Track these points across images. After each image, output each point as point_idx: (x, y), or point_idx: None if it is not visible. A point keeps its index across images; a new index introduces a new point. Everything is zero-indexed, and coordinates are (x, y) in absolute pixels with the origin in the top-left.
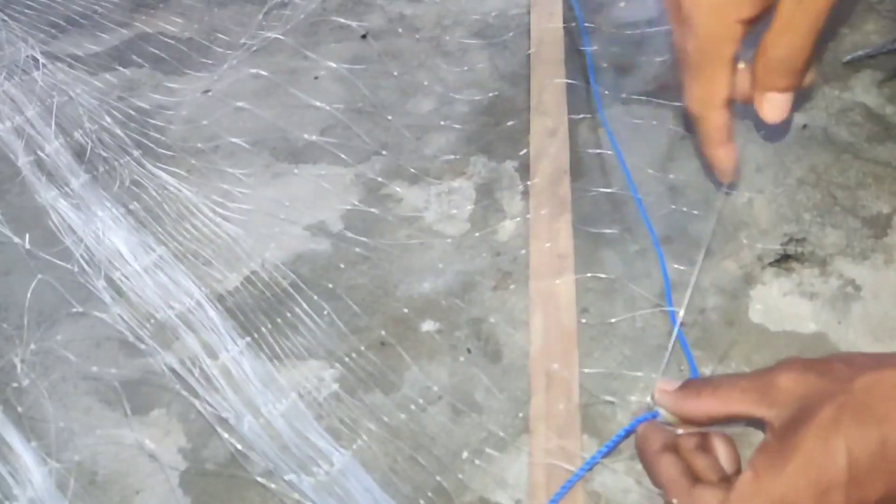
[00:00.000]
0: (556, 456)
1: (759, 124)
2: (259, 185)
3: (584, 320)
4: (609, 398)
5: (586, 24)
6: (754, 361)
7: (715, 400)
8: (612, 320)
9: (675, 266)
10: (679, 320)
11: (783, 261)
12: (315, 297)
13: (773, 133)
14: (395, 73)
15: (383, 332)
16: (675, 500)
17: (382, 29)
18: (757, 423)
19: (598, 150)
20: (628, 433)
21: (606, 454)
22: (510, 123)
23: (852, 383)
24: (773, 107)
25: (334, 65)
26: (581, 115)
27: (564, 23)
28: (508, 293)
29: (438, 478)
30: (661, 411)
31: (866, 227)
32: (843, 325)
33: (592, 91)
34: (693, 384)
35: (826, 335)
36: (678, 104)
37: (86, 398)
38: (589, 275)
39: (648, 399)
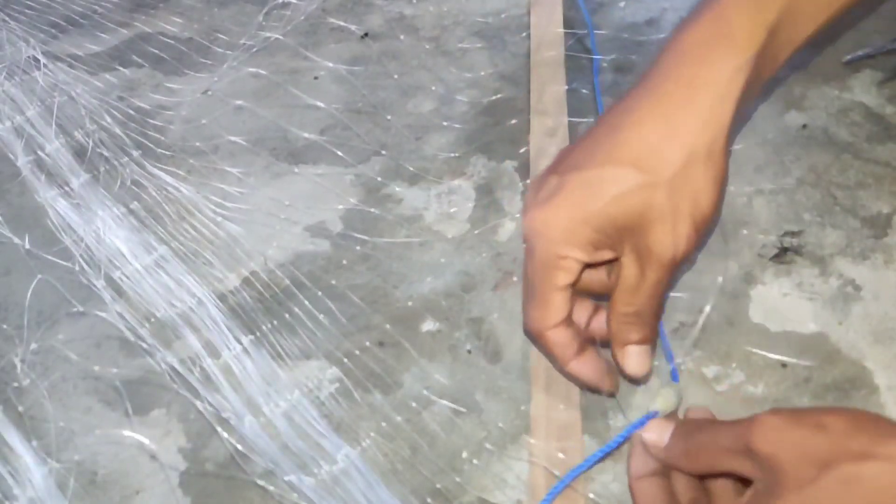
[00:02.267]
0: (557, 456)
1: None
2: (259, 185)
3: None
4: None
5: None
6: (754, 361)
7: (700, 455)
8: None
9: None
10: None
11: (781, 254)
12: (315, 297)
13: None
14: (395, 74)
15: (383, 332)
16: None
17: (382, 29)
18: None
19: None
20: (625, 439)
21: (599, 460)
22: (510, 123)
23: (828, 471)
24: (633, 359)
25: (332, 65)
26: (582, 117)
27: (564, 23)
28: (508, 293)
29: (438, 478)
30: (658, 407)
31: (866, 227)
32: (843, 325)
33: (596, 93)
34: (680, 433)
35: (826, 335)
36: None
37: (86, 398)
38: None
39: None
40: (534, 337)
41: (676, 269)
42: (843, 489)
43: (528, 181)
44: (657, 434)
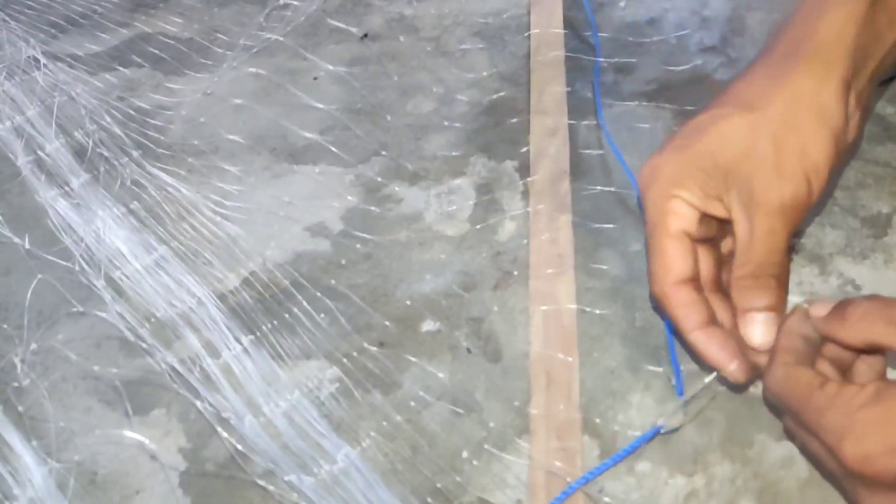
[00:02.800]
0: (557, 456)
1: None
2: (259, 185)
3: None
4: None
5: (588, 26)
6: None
7: (861, 327)
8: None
9: None
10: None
11: None
12: (315, 297)
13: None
14: (395, 74)
15: (383, 332)
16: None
17: (382, 30)
18: None
19: (598, 151)
20: (629, 452)
21: (609, 468)
22: (510, 123)
23: None
24: (755, 328)
25: (332, 67)
26: (582, 117)
27: (564, 23)
28: (508, 293)
29: (438, 478)
30: (665, 426)
31: (866, 227)
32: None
33: (595, 93)
34: (841, 306)
35: None
36: (677, 105)
37: (86, 398)
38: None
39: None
40: (657, 300)
41: (789, 219)
42: None
43: (530, 180)
44: (822, 307)
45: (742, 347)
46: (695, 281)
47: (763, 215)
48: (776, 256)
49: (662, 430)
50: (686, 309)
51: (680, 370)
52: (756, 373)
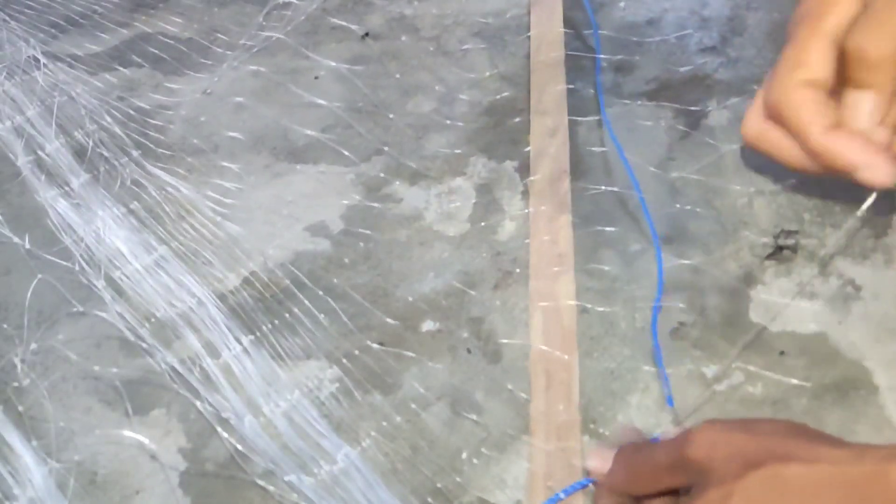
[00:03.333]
0: (557, 456)
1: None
2: (259, 184)
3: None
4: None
5: (588, 25)
6: (754, 361)
7: (641, 477)
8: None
9: (680, 261)
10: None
11: (777, 252)
12: (315, 297)
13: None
14: (396, 73)
15: (383, 332)
16: None
17: (383, 29)
18: None
19: (600, 148)
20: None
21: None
22: (510, 123)
23: (753, 470)
24: (856, 106)
25: (334, 63)
26: (582, 117)
27: (564, 23)
28: (508, 293)
29: (438, 478)
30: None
31: (866, 227)
32: (843, 325)
33: (598, 91)
34: (620, 458)
35: (826, 335)
36: (677, 105)
37: (86, 398)
38: (591, 265)
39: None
40: (774, 108)
41: None
42: (765, 486)
43: (530, 180)
44: (600, 461)
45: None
46: (829, 91)
47: None
48: None
49: (658, 438)
50: (814, 108)
51: (668, 379)
52: None
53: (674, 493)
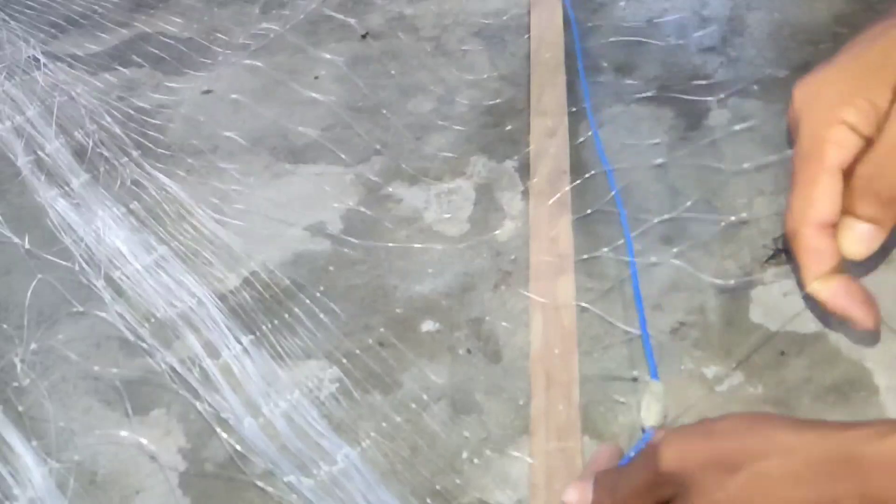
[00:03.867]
0: (557, 457)
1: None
2: (258, 185)
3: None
4: (621, 399)
5: (589, 25)
6: (754, 361)
7: (627, 502)
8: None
9: (680, 261)
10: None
11: (777, 256)
12: (315, 297)
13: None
14: (395, 73)
15: (383, 333)
16: None
17: (382, 29)
18: None
19: (600, 147)
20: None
21: None
22: (510, 124)
23: (733, 474)
24: (853, 236)
25: (330, 57)
26: (582, 118)
27: (565, 23)
28: (508, 293)
29: (438, 478)
30: (650, 422)
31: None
32: (843, 325)
33: (584, 96)
34: (600, 489)
35: (826, 335)
36: (677, 106)
37: (86, 398)
38: (585, 257)
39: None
40: (789, 236)
41: None
42: (749, 488)
43: (529, 182)
44: (579, 494)
45: (866, 294)
46: (834, 226)
47: None
48: None
49: (651, 432)
50: (816, 255)
51: (652, 351)
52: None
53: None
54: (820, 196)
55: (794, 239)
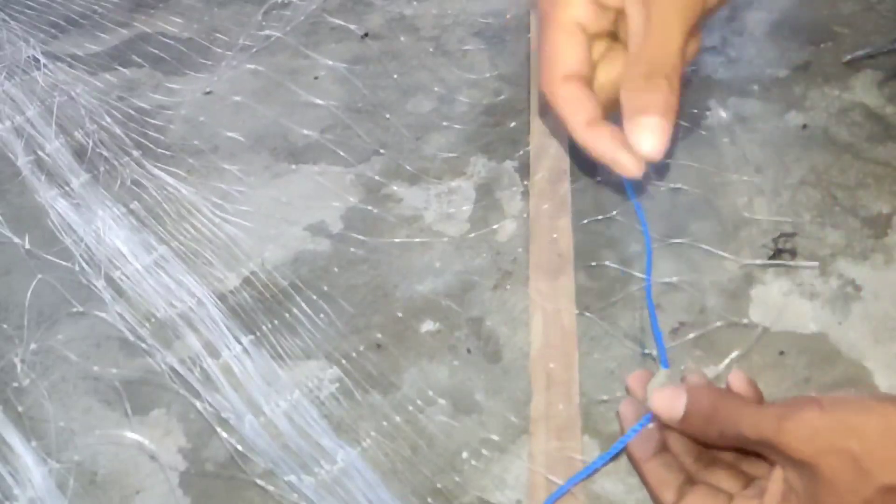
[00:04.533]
0: (557, 457)
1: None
2: (259, 184)
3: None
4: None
5: None
6: (754, 361)
7: (724, 433)
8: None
9: (680, 261)
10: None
11: (776, 256)
12: (314, 298)
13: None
14: (395, 74)
15: (383, 333)
16: None
17: (382, 29)
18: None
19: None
20: (625, 444)
21: (604, 464)
22: (510, 123)
23: (869, 480)
24: (643, 133)
25: (332, 63)
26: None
27: None
28: (508, 293)
29: (438, 478)
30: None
31: (866, 227)
32: (843, 325)
33: None
34: (701, 406)
35: (826, 335)
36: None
37: (86, 398)
38: (594, 264)
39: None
40: (545, 98)
41: (685, 12)
42: (883, 499)
43: (530, 181)
44: (668, 401)
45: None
46: (586, 79)
47: (658, 4)
48: (670, 54)
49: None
50: (574, 104)
51: (663, 341)
52: (647, 167)
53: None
54: (562, 51)
55: (550, 98)
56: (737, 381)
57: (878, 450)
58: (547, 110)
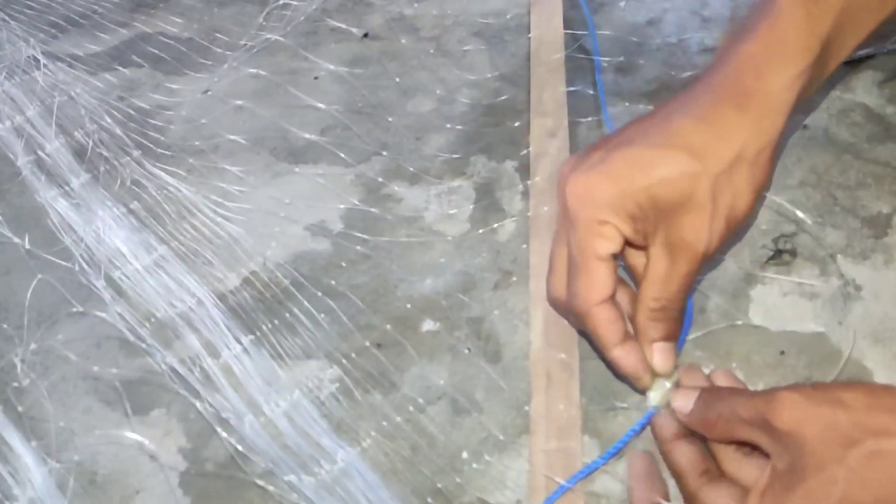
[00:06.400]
0: (557, 457)
1: None
2: (259, 184)
3: None
4: (622, 404)
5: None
6: (754, 361)
7: (718, 424)
8: None
9: None
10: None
11: (776, 257)
12: (315, 297)
13: None
14: (395, 74)
15: (383, 332)
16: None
17: (382, 29)
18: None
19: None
20: (625, 444)
21: (607, 461)
22: (510, 124)
23: (852, 448)
24: (659, 356)
25: (333, 67)
26: (583, 118)
27: (564, 23)
28: (508, 293)
29: (438, 478)
30: (654, 402)
31: (866, 227)
32: (843, 325)
33: (599, 92)
34: (702, 401)
35: (826, 335)
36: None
37: (86, 398)
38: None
39: (650, 398)
40: (581, 317)
41: (703, 265)
42: (866, 466)
43: (530, 181)
44: (684, 400)
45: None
46: (613, 298)
47: (687, 259)
48: (684, 296)
49: (654, 411)
50: (608, 327)
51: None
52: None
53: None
54: (600, 280)
55: (587, 317)
56: (722, 378)
57: (865, 420)
58: (581, 324)
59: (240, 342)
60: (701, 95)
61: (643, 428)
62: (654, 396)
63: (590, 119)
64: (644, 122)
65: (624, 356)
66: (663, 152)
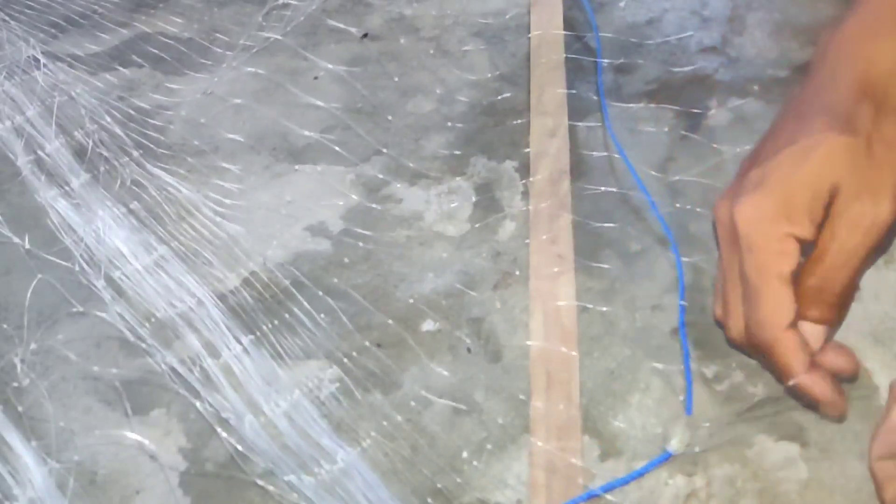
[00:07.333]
0: (557, 456)
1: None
2: (259, 184)
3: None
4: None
5: (588, 27)
6: (754, 362)
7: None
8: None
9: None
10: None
11: None
12: (315, 297)
13: None
14: (395, 74)
15: (383, 332)
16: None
17: (382, 29)
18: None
19: (600, 153)
20: (634, 478)
21: (607, 491)
22: (510, 123)
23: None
24: (806, 335)
25: (332, 66)
26: (583, 118)
27: (564, 23)
28: (508, 293)
29: (438, 478)
30: (674, 448)
31: None
32: (843, 325)
33: (600, 94)
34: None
35: None
36: (678, 106)
37: (86, 398)
38: (589, 221)
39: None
40: (765, 349)
41: (874, 238)
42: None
43: (530, 180)
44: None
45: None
46: (796, 318)
47: (850, 234)
48: (846, 277)
49: (670, 453)
50: (796, 353)
51: (692, 384)
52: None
53: None
54: (785, 303)
55: (775, 344)
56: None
57: None
58: (756, 351)
59: (240, 342)
60: (825, 84)
61: (654, 468)
62: (677, 445)
63: (589, 119)
64: (781, 125)
65: (815, 381)
66: (815, 137)
